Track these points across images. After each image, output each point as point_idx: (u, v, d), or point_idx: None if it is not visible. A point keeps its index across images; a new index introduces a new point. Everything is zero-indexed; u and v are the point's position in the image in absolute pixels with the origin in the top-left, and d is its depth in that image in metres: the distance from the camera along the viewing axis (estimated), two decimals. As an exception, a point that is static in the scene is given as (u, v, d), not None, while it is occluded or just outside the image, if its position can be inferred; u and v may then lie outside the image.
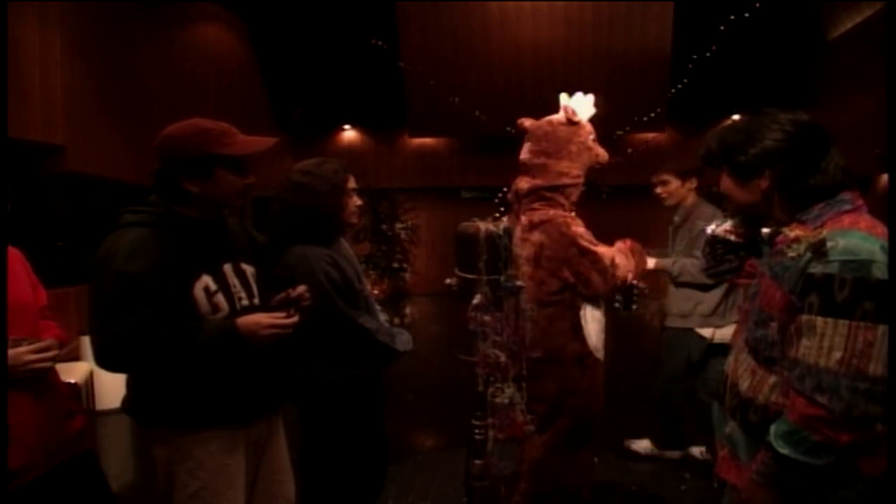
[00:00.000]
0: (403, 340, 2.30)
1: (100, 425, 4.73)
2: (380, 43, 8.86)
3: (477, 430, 1.62)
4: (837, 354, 1.33)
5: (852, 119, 9.01)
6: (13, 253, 1.91)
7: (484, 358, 1.51)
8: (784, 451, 1.38)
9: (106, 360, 1.71)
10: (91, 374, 4.75)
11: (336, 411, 2.25)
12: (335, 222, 2.30)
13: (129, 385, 1.88)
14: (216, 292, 1.80)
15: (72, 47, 6.10)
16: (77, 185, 6.85)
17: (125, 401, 1.88)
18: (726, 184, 1.61)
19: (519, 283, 1.51)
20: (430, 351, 6.61)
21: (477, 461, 1.61)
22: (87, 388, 4.74)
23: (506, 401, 1.52)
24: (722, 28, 7.06)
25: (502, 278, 1.50)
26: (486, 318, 1.48)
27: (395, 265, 10.97)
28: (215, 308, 1.78)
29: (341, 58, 10.76)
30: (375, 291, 8.96)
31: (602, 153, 2.57)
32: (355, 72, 10.99)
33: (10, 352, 1.70)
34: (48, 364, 1.79)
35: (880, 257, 1.34)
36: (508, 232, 1.53)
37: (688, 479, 3.65)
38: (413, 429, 4.75)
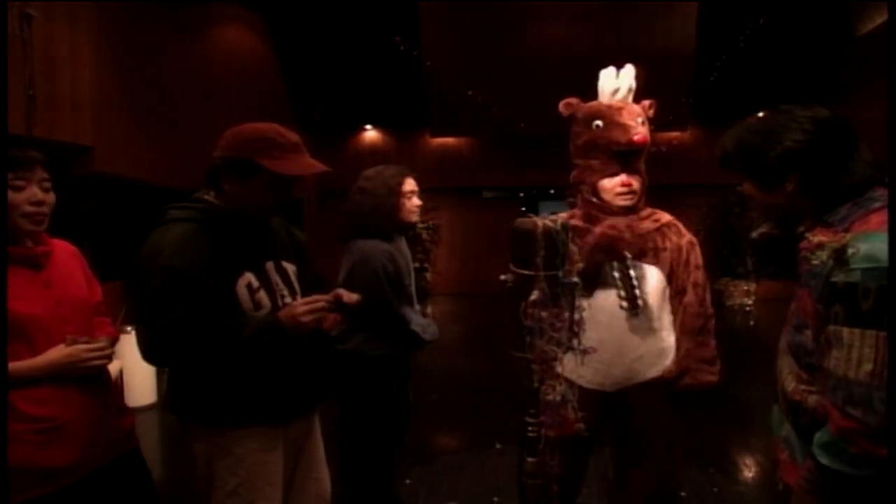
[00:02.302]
0: (431, 332, 2.70)
1: (129, 423, 4.77)
2: (401, 42, 8.88)
3: (530, 428, 1.61)
4: (867, 367, 1.26)
5: (881, 116, 8.86)
6: (69, 249, 1.94)
7: (541, 354, 1.50)
8: (824, 461, 1.33)
9: (153, 354, 1.73)
10: (121, 372, 4.79)
11: (372, 382, 2.62)
12: (393, 221, 2.62)
13: (170, 383, 1.89)
14: (259, 289, 1.81)
15: (100, 50, 6.18)
16: (104, 186, 6.94)
17: (166, 398, 1.90)
18: (749, 188, 1.55)
19: (575, 279, 1.50)
20: (453, 351, 6.61)
21: (530, 459, 1.60)
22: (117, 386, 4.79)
23: (557, 398, 1.51)
24: (749, 25, 6.99)
25: (560, 274, 1.49)
26: (544, 314, 1.47)
27: (416, 265, 10.99)
28: (257, 305, 1.80)
29: (363, 58, 10.78)
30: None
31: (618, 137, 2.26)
32: (377, 72, 11.01)
33: (70, 349, 1.71)
34: (104, 362, 1.81)
35: None
36: (566, 227, 1.52)
37: (720, 482, 3.62)
38: (439, 429, 4.75)
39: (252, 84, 10.24)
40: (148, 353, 1.72)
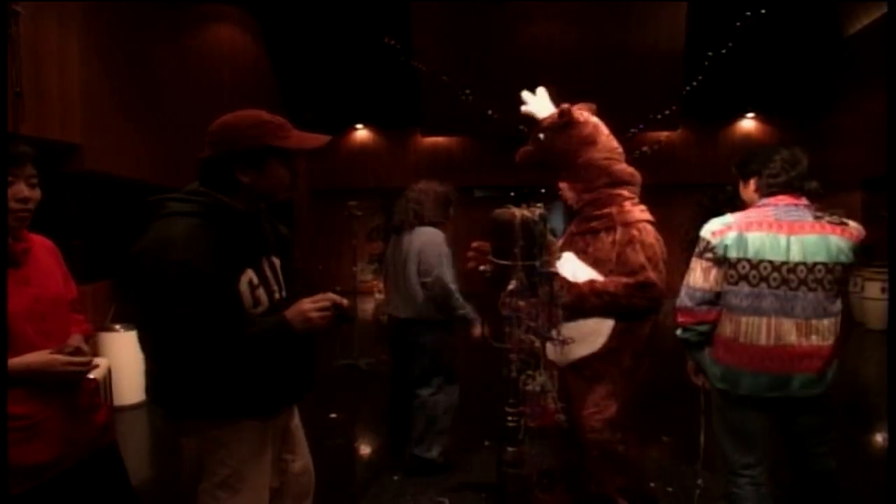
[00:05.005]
0: (468, 311, 3.65)
1: (118, 421, 4.75)
2: (393, 42, 8.87)
3: (510, 418, 1.61)
4: (687, 275, 2.20)
5: (870, 116, 8.93)
6: (46, 244, 1.91)
7: (518, 344, 1.50)
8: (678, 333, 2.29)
9: (167, 352, 1.69)
10: (109, 371, 4.77)
11: (432, 340, 3.73)
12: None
13: (158, 377, 1.84)
14: (258, 286, 1.79)
15: (89, 47, 6.15)
16: (94, 184, 6.90)
17: (152, 392, 1.86)
18: (741, 188, 2.40)
19: (553, 269, 1.51)
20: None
21: (510, 448, 1.60)
22: (105, 384, 4.76)
23: (537, 388, 1.52)
24: (737, 25, 7.01)
25: (538, 264, 1.49)
26: (521, 303, 1.47)
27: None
28: (257, 302, 1.78)
29: (354, 57, 10.77)
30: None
31: None
32: (368, 71, 11.00)
33: (50, 357, 1.68)
34: (85, 369, 1.79)
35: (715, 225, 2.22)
36: (544, 218, 1.53)
37: (706, 476, 3.63)
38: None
39: (243, 83, 10.22)
40: (160, 352, 1.67)
